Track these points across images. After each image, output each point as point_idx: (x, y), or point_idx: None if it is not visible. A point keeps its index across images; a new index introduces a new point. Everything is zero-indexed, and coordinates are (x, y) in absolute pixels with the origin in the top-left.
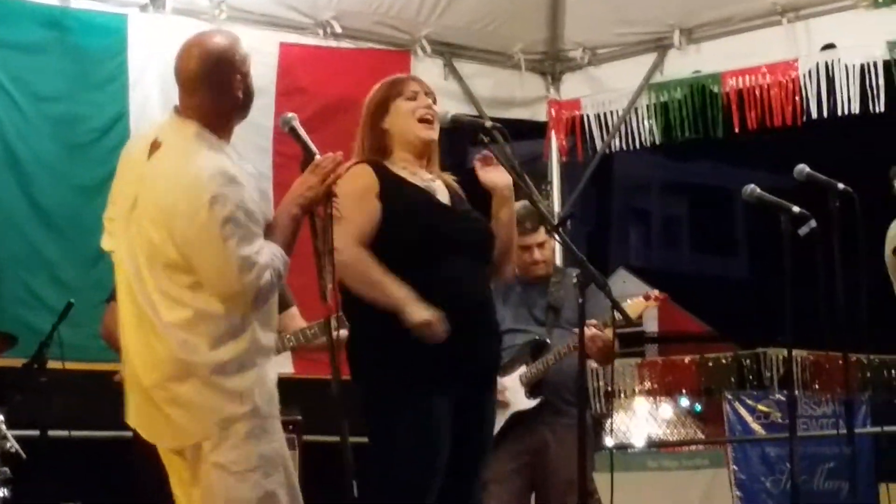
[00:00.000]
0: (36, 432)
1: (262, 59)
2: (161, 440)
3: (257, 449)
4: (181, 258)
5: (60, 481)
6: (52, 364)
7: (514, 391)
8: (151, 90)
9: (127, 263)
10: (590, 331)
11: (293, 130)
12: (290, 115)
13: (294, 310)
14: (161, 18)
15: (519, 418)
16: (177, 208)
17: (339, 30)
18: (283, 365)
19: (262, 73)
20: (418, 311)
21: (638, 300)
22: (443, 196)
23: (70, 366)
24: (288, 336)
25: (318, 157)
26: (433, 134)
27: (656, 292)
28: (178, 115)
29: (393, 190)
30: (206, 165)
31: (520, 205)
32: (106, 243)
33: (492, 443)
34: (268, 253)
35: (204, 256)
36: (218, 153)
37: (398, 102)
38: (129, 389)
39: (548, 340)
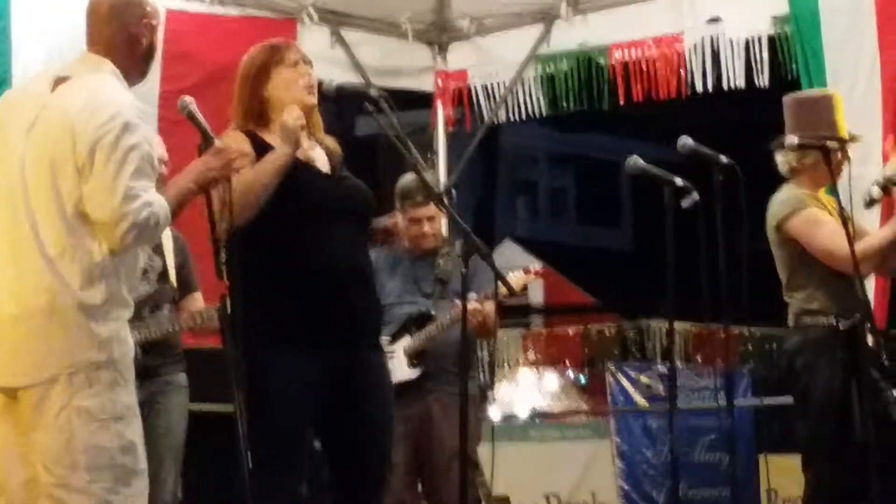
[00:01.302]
0: None
1: None
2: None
3: (120, 398)
4: (75, 170)
5: None
6: None
7: (397, 361)
8: (34, 58)
9: (13, 191)
10: (471, 305)
11: (191, 115)
12: (187, 99)
13: (198, 294)
14: None
15: (401, 388)
16: (89, 120)
17: None
18: None
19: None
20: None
21: (520, 274)
22: (322, 163)
23: None
24: (185, 316)
25: (216, 142)
26: (314, 99)
27: (536, 266)
28: (91, 53)
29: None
30: (124, 96)
31: (410, 177)
32: None
33: (389, 407)
34: (155, 197)
35: (98, 171)
36: (134, 147)
37: (280, 70)
38: None
39: (432, 312)
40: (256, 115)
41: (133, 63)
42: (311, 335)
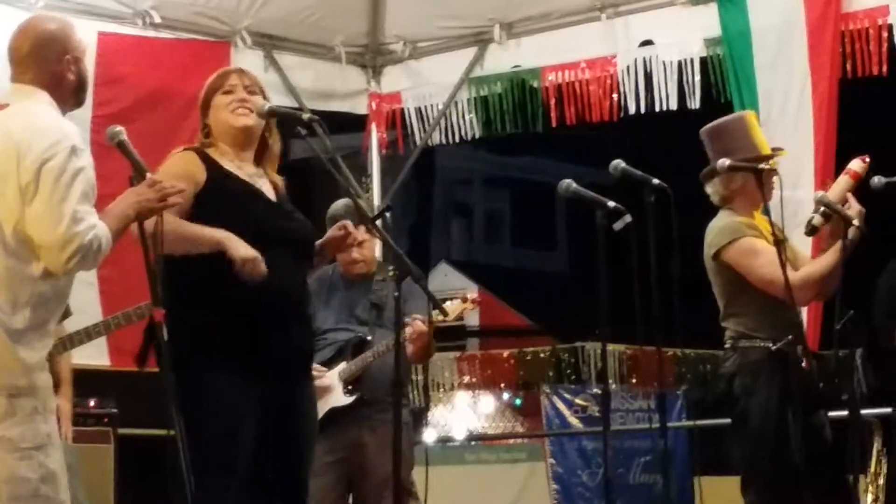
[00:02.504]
0: None
1: None
2: None
3: (42, 427)
4: (18, 191)
5: None
6: None
7: (333, 388)
8: None
9: None
10: (417, 325)
11: (122, 145)
12: (117, 128)
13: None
14: None
15: (335, 414)
16: (33, 142)
17: (158, 20)
18: (99, 357)
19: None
20: (243, 247)
21: (456, 302)
22: (268, 192)
23: None
24: (114, 316)
25: (149, 174)
26: (246, 121)
27: (473, 294)
28: (21, 84)
29: (219, 179)
30: (66, 123)
31: (342, 203)
32: None
33: (314, 437)
34: (98, 222)
35: (44, 193)
36: (78, 171)
37: (216, 97)
38: None
39: (369, 338)
40: (207, 143)
41: (63, 97)
42: (248, 361)
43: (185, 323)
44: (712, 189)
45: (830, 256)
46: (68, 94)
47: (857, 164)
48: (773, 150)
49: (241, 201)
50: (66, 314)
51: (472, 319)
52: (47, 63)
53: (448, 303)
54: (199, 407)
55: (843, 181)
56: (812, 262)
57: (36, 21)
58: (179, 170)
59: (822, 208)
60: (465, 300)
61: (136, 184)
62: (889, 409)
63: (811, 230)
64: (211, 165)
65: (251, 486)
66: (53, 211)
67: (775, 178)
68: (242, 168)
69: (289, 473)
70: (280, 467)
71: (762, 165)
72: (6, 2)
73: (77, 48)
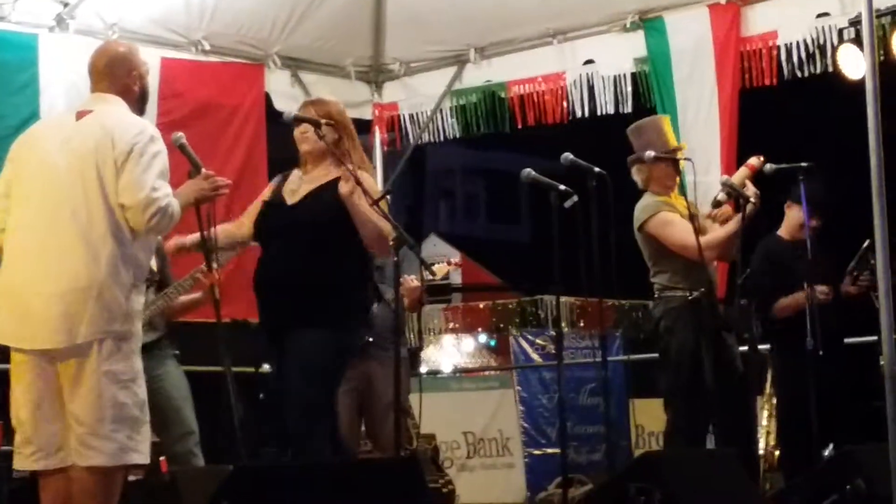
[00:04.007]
0: None
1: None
2: (42, 342)
3: (137, 364)
4: (115, 166)
5: None
6: None
7: None
8: (58, 95)
9: (51, 190)
10: (408, 283)
11: (182, 147)
12: (179, 134)
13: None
14: (65, 38)
15: None
16: (124, 130)
17: (207, 47)
18: None
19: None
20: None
21: (443, 265)
22: (297, 194)
23: None
24: (175, 284)
25: (203, 169)
26: (304, 146)
27: (456, 258)
28: (100, 93)
29: (270, 195)
30: (144, 119)
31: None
32: None
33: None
34: (171, 194)
35: (132, 167)
36: (158, 154)
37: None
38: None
39: None
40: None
41: (130, 104)
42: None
43: None
44: (637, 174)
45: (731, 225)
46: (133, 102)
47: (754, 160)
48: (679, 144)
49: (260, 210)
50: (167, 283)
51: (456, 278)
52: (119, 76)
53: (435, 265)
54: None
55: (743, 171)
56: (717, 228)
57: (109, 44)
58: (264, 191)
59: (726, 188)
60: (449, 263)
61: (193, 177)
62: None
63: (716, 204)
64: (276, 187)
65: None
66: (139, 179)
67: (688, 165)
68: (302, 178)
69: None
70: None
71: (679, 156)
72: (88, 34)
73: (141, 67)
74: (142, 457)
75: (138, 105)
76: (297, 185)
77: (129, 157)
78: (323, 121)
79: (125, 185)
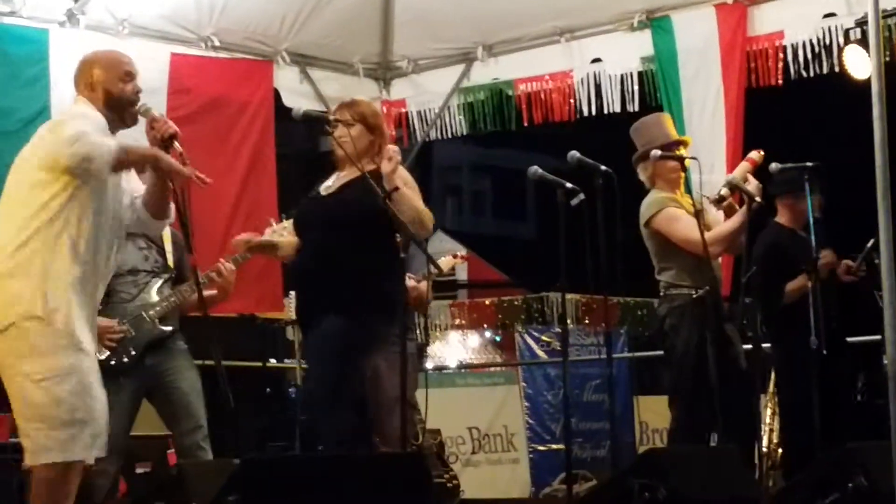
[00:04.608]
0: None
1: (156, 65)
2: None
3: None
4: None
5: None
6: None
7: None
8: (68, 90)
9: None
10: (410, 282)
11: (146, 113)
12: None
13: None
14: (76, 32)
15: None
16: (46, 134)
17: (217, 43)
18: None
19: (157, 77)
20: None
21: (448, 258)
22: (329, 188)
23: None
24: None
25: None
26: (338, 151)
27: (462, 253)
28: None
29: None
30: (74, 110)
31: None
32: None
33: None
34: (109, 140)
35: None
36: (79, 119)
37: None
38: None
39: None
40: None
41: (98, 108)
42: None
43: None
44: (642, 172)
45: (735, 220)
46: (100, 107)
47: (754, 154)
48: (682, 138)
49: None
50: (184, 278)
51: (462, 275)
52: (78, 82)
53: (441, 259)
54: None
55: (745, 165)
56: (721, 223)
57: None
58: None
59: (730, 186)
60: (454, 257)
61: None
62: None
63: (719, 200)
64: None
65: None
66: (59, 130)
67: (693, 164)
68: (337, 174)
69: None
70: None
71: (683, 151)
72: (98, 29)
73: (105, 72)
74: (56, 454)
75: (107, 109)
76: (333, 181)
77: (51, 144)
78: (333, 117)
79: (49, 142)
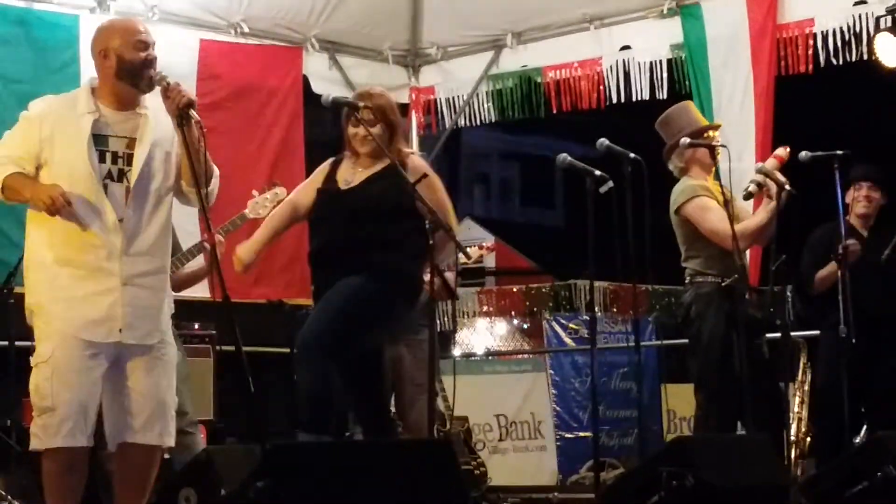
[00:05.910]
0: (6, 343)
1: (186, 51)
2: None
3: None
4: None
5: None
6: (18, 289)
7: None
8: None
9: None
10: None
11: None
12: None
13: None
14: (106, 18)
15: None
16: None
17: (246, 30)
18: (202, 290)
19: (186, 63)
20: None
21: (476, 248)
22: (350, 182)
23: None
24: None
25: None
26: (360, 148)
27: (489, 242)
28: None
29: (323, 182)
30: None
31: None
32: None
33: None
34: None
35: None
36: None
37: (348, 128)
38: None
39: None
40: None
41: (108, 80)
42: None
43: None
44: (672, 165)
45: (763, 213)
46: (110, 76)
47: (782, 151)
48: (713, 124)
49: (315, 197)
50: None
51: (490, 262)
52: (93, 58)
53: (469, 249)
54: None
55: (772, 162)
56: (750, 217)
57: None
58: (314, 173)
59: (756, 180)
60: (481, 247)
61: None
62: (817, 332)
63: (747, 196)
64: (331, 171)
65: None
66: None
67: (723, 152)
68: (353, 165)
69: None
70: None
71: (714, 143)
72: (128, 14)
73: (110, 41)
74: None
75: (118, 76)
76: (352, 174)
77: None
78: (362, 104)
79: None
